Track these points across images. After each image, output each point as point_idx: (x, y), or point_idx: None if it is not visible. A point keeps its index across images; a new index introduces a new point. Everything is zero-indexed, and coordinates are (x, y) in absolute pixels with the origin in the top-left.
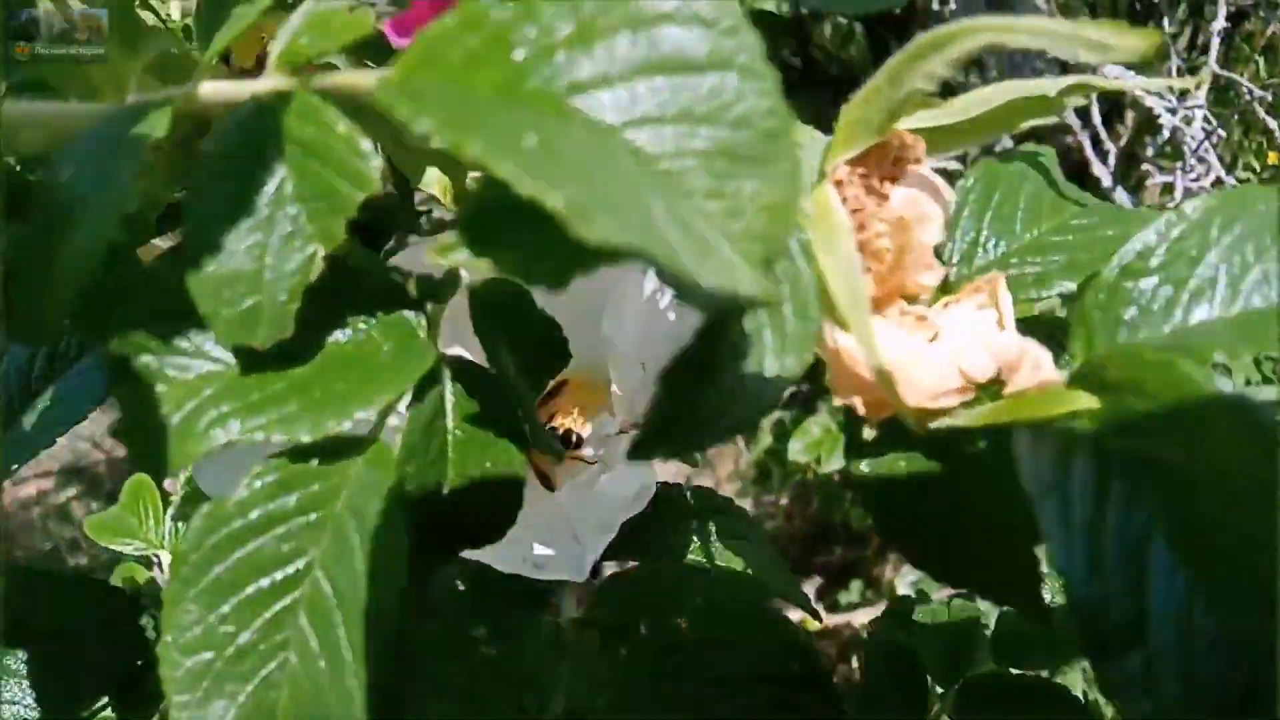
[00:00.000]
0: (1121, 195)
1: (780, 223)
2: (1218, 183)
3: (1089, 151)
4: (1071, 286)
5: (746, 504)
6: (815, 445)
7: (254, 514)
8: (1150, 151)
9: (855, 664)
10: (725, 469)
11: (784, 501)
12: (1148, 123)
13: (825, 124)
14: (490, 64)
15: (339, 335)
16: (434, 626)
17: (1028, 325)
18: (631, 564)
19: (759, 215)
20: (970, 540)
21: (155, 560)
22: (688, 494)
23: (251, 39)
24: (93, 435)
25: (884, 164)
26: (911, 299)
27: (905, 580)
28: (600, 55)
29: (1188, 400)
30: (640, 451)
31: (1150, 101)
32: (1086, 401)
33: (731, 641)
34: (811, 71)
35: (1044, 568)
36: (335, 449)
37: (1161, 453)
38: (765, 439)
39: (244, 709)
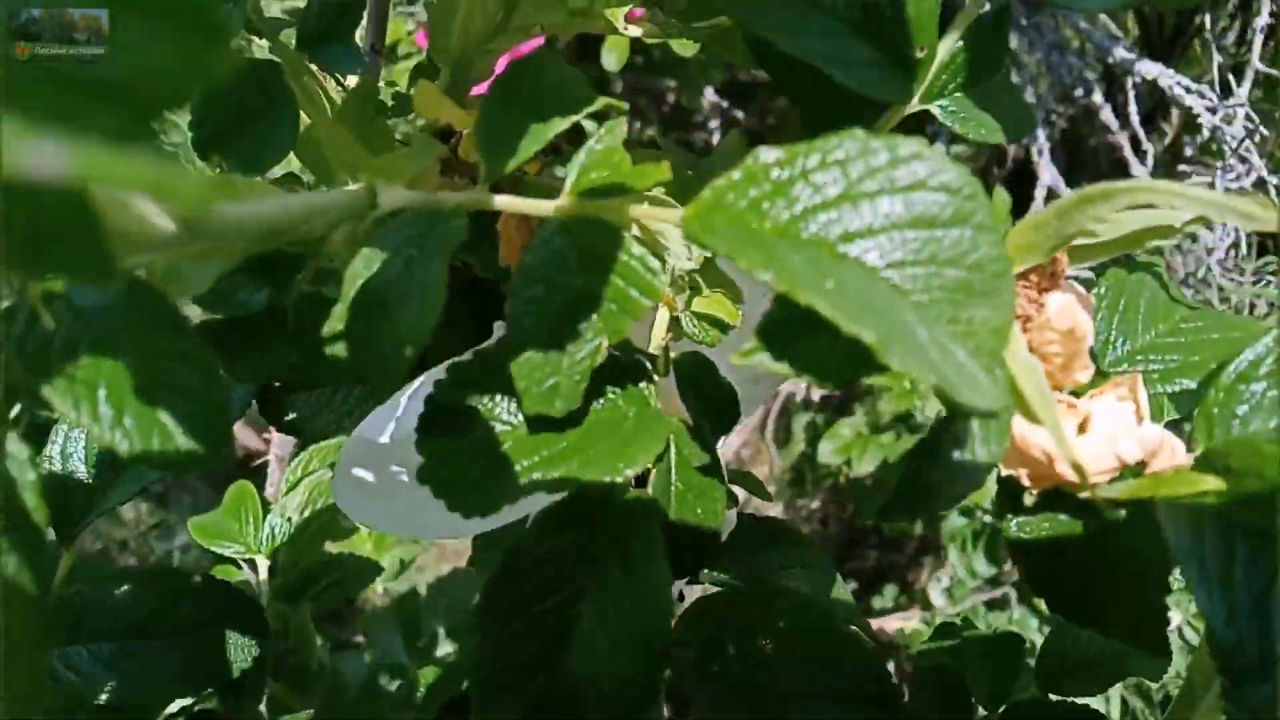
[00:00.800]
0: None
1: (1001, 339)
2: (1260, 183)
3: (1127, 152)
4: (1190, 384)
5: (778, 510)
6: (846, 448)
7: (542, 550)
8: (1190, 151)
9: (891, 668)
10: (759, 473)
11: (815, 505)
12: (1189, 123)
13: None
14: (771, 212)
15: (596, 404)
16: None
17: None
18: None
19: (988, 336)
20: (1106, 589)
21: (251, 563)
22: (770, 527)
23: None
24: None
25: (1044, 278)
26: (1058, 388)
27: (938, 586)
28: (865, 211)
29: None
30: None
31: (1190, 100)
32: (1213, 483)
33: (811, 660)
34: None
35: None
36: (595, 495)
37: (1275, 523)
38: (799, 444)
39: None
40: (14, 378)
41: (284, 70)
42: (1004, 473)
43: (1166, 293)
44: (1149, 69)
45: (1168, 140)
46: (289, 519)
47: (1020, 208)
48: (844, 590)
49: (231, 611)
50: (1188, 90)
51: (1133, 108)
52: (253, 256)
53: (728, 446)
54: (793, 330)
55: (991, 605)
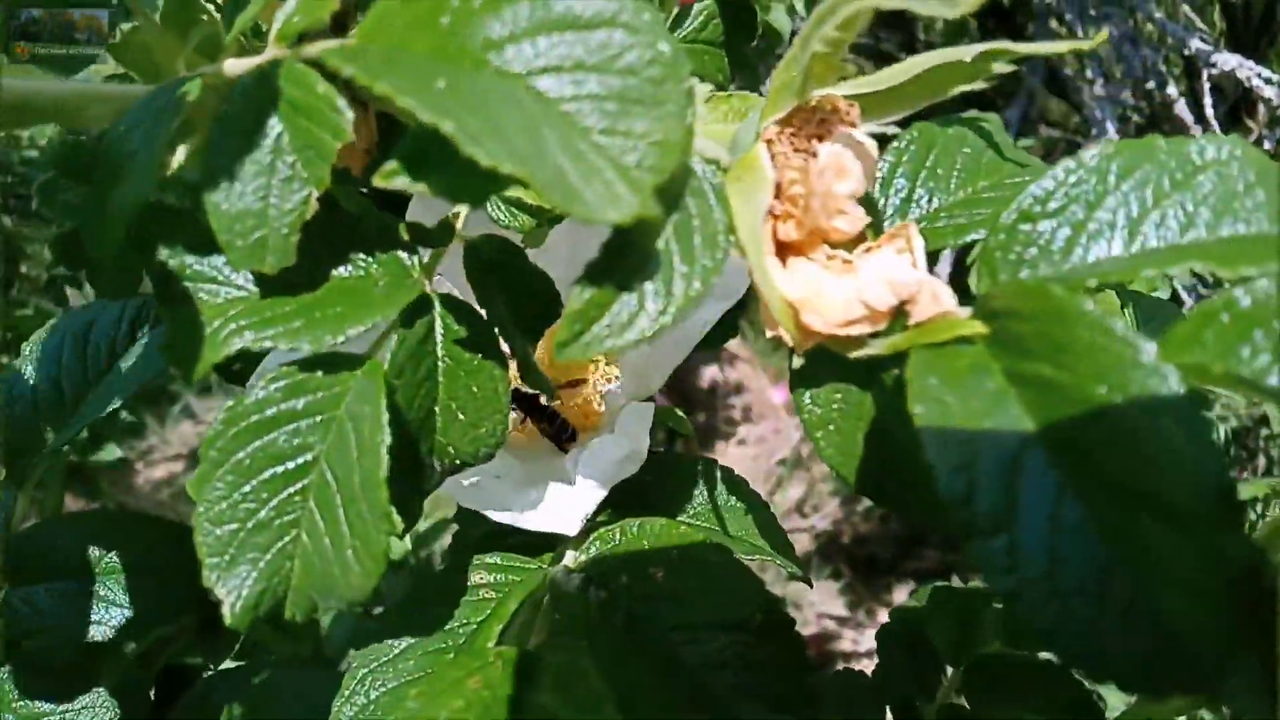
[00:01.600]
0: None
1: (669, 155)
2: None
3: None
4: (982, 235)
5: (834, 506)
6: None
7: (269, 411)
8: (1269, 146)
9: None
10: (821, 468)
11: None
12: (1275, 118)
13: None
14: (425, 29)
15: (341, 270)
16: (441, 570)
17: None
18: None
19: (650, 150)
20: (903, 467)
21: None
22: (699, 465)
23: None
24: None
25: (810, 124)
26: (839, 246)
27: None
28: (508, 16)
29: (1058, 321)
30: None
31: (1270, 92)
32: (976, 327)
33: (700, 591)
34: None
35: None
36: (338, 363)
37: (1038, 369)
38: None
39: (263, 573)
40: None
41: None
42: (769, 334)
43: (997, 150)
44: (1227, 60)
45: (1252, 138)
46: None
47: None
48: (779, 531)
49: (189, 552)
50: (1268, 82)
51: (1208, 101)
52: (80, 156)
53: (785, 439)
54: (432, 149)
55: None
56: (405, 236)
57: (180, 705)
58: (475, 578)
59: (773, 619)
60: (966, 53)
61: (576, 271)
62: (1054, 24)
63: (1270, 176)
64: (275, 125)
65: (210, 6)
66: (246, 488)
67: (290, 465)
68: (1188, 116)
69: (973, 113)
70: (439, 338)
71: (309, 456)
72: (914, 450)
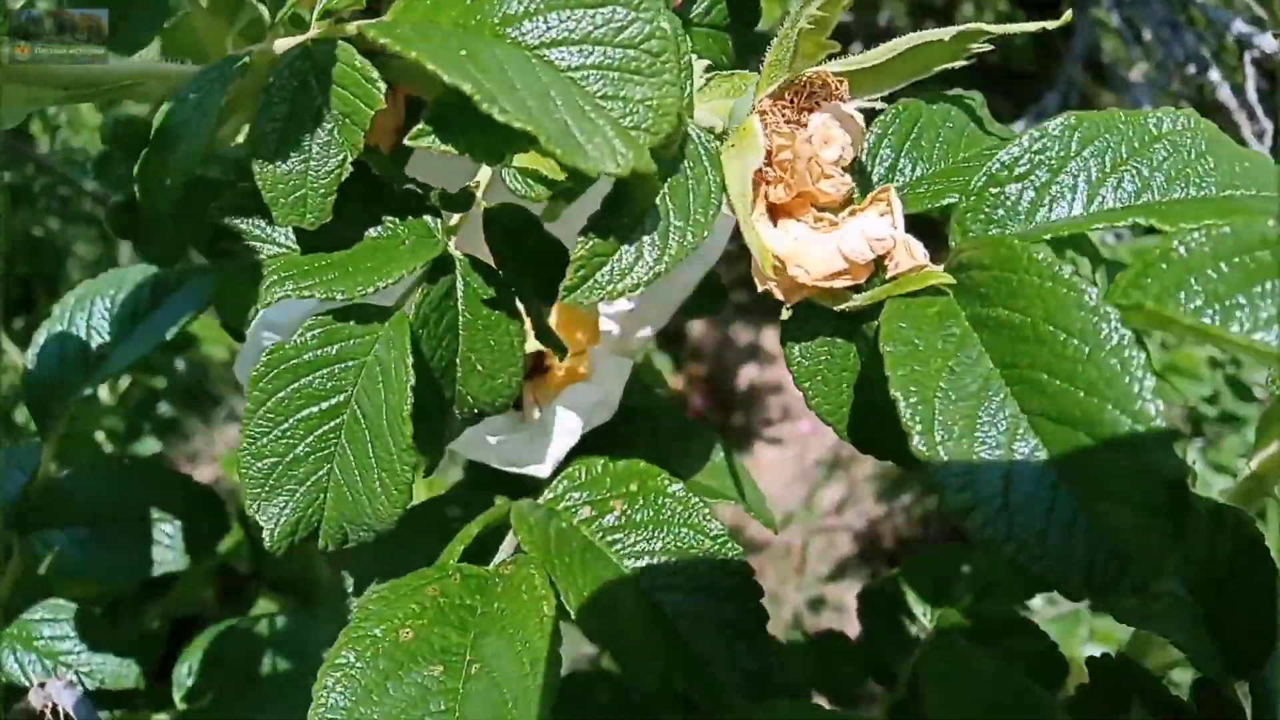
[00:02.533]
0: None
1: (663, 118)
2: None
3: (1247, 132)
4: (955, 199)
5: (874, 506)
6: None
7: (306, 355)
8: None
9: None
10: (860, 469)
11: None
12: None
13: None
14: (450, 6)
15: (372, 231)
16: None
17: None
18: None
19: (647, 113)
20: (878, 411)
21: None
22: (668, 419)
23: None
24: None
25: (801, 98)
26: (826, 210)
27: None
28: None
29: (1013, 268)
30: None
31: None
32: (945, 278)
33: (654, 522)
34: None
35: None
36: (368, 314)
37: (996, 312)
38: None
39: (299, 504)
40: None
41: None
42: (759, 288)
43: (980, 125)
44: (1268, 43)
45: None
46: None
47: None
48: (749, 480)
49: (193, 503)
50: None
51: (1250, 84)
52: (134, 132)
53: (823, 440)
54: (454, 113)
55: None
56: (431, 202)
57: (190, 651)
58: (448, 511)
59: (718, 551)
60: (945, 33)
61: None
62: (1093, 11)
63: (1220, 146)
64: (317, 95)
65: None
66: (285, 425)
67: (324, 405)
68: (1231, 101)
69: (956, 91)
70: (460, 294)
71: (341, 397)
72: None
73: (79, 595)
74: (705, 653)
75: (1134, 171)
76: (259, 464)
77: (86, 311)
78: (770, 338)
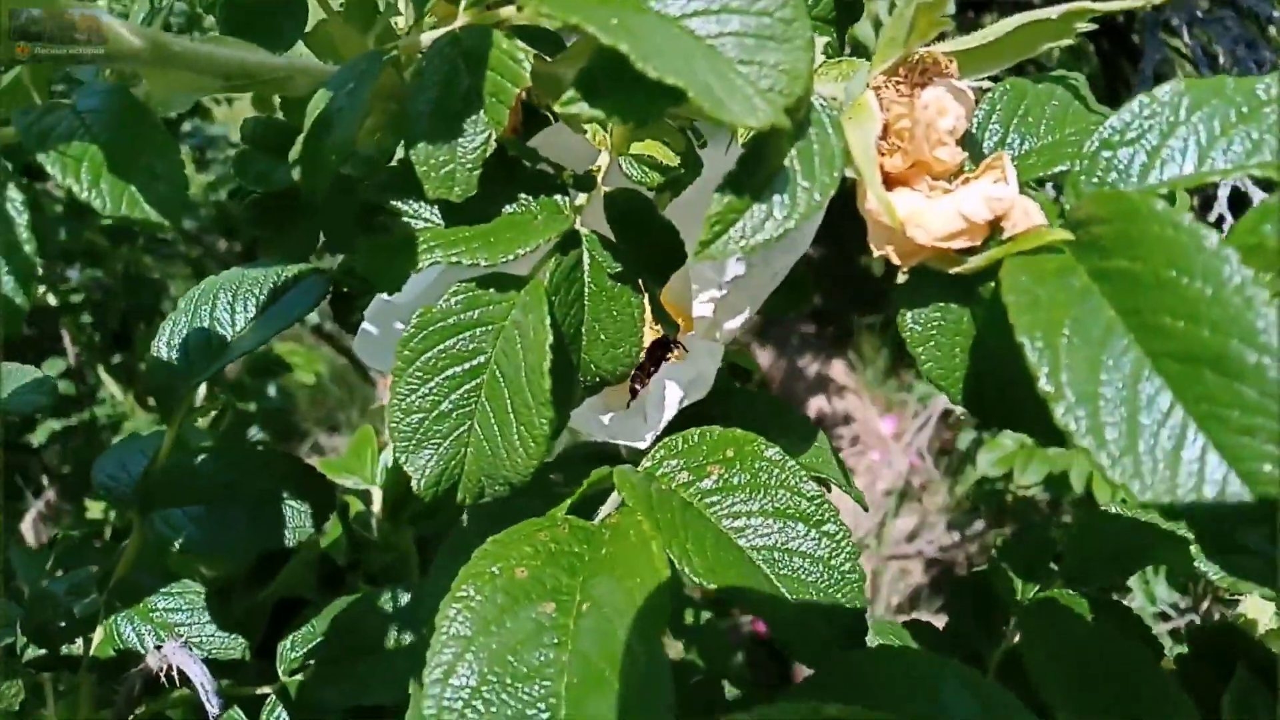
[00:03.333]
0: None
1: (795, 81)
2: None
3: None
4: (1068, 166)
5: (946, 534)
6: (1009, 459)
7: (451, 319)
8: None
9: None
10: (932, 499)
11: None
12: None
13: None
14: None
15: (508, 207)
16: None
17: None
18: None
19: (780, 77)
20: (1005, 381)
21: (368, 493)
22: (764, 400)
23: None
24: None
25: (914, 75)
26: (940, 179)
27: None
28: None
29: (1132, 220)
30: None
31: None
32: (1060, 234)
33: (751, 485)
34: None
35: None
36: (506, 282)
37: (1117, 263)
38: (972, 471)
39: (442, 456)
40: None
41: None
42: (875, 253)
43: (1084, 103)
44: None
45: None
46: None
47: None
48: (829, 456)
49: (301, 484)
50: None
51: None
52: (272, 133)
53: (894, 470)
54: (601, 78)
55: (1176, 636)
56: (560, 181)
57: (294, 627)
58: (551, 477)
59: (816, 510)
60: (1053, 12)
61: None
62: (1163, 35)
63: None
64: (465, 78)
65: (380, 3)
66: (432, 383)
67: (467, 365)
68: None
69: (1060, 71)
70: (586, 266)
71: (482, 359)
72: (1008, 359)
73: (196, 575)
74: (805, 608)
75: (1244, 134)
76: (408, 419)
77: (210, 305)
78: (839, 369)
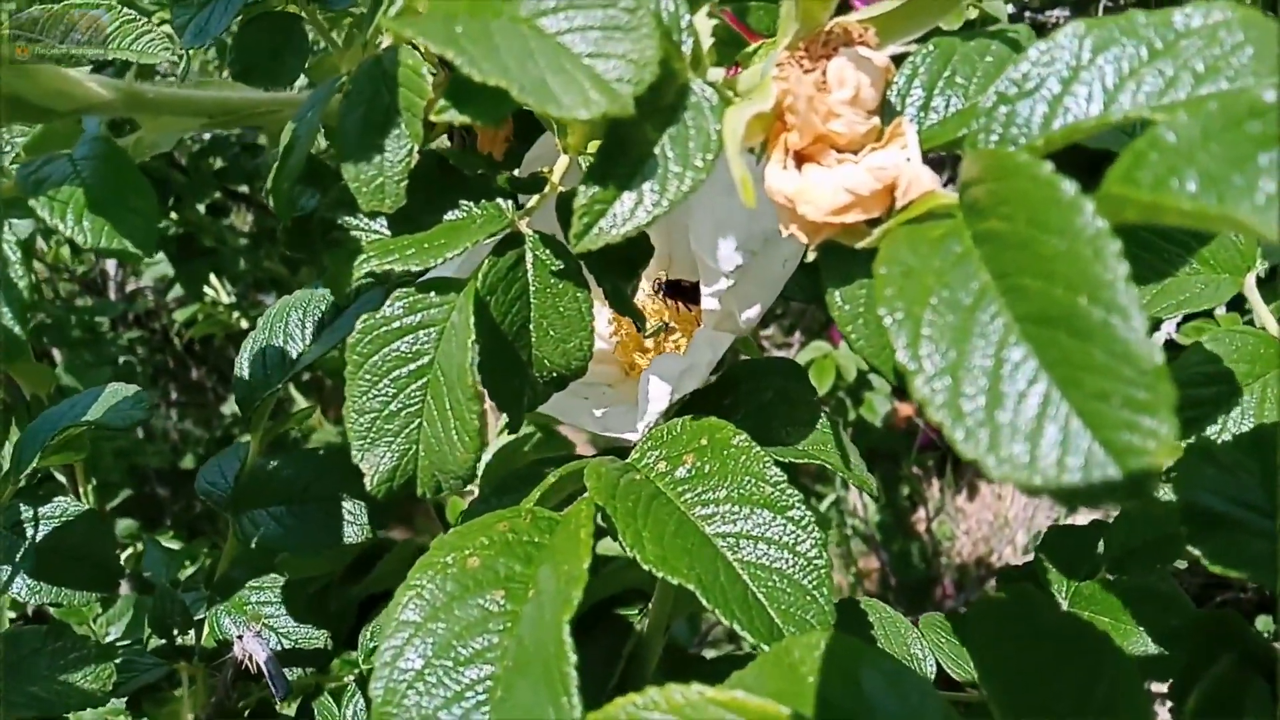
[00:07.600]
0: None
1: (643, 69)
2: None
3: None
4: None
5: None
6: None
7: (395, 324)
8: None
9: None
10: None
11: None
12: None
13: None
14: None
15: (450, 214)
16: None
17: None
18: None
19: (628, 66)
20: None
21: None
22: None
23: None
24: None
25: (816, 48)
26: (849, 150)
27: None
28: None
29: (1003, 177)
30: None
31: None
32: (947, 199)
33: (722, 474)
34: None
35: None
36: (447, 286)
37: (991, 224)
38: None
39: (395, 453)
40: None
41: (302, 19)
42: (784, 233)
43: None
44: None
45: None
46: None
47: None
48: (836, 440)
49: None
50: None
51: None
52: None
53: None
54: (467, 85)
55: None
56: (501, 184)
57: (374, 619)
58: (546, 470)
59: (786, 497)
60: None
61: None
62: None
63: (1264, 34)
64: (385, 96)
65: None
66: (380, 384)
67: (412, 366)
68: None
69: (1000, 26)
70: (529, 265)
71: (425, 360)
72: None
73: (296, 574)
74: (767, 597)
75: (1156, 72)
76: (361, 419)
77: (284, 322)
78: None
